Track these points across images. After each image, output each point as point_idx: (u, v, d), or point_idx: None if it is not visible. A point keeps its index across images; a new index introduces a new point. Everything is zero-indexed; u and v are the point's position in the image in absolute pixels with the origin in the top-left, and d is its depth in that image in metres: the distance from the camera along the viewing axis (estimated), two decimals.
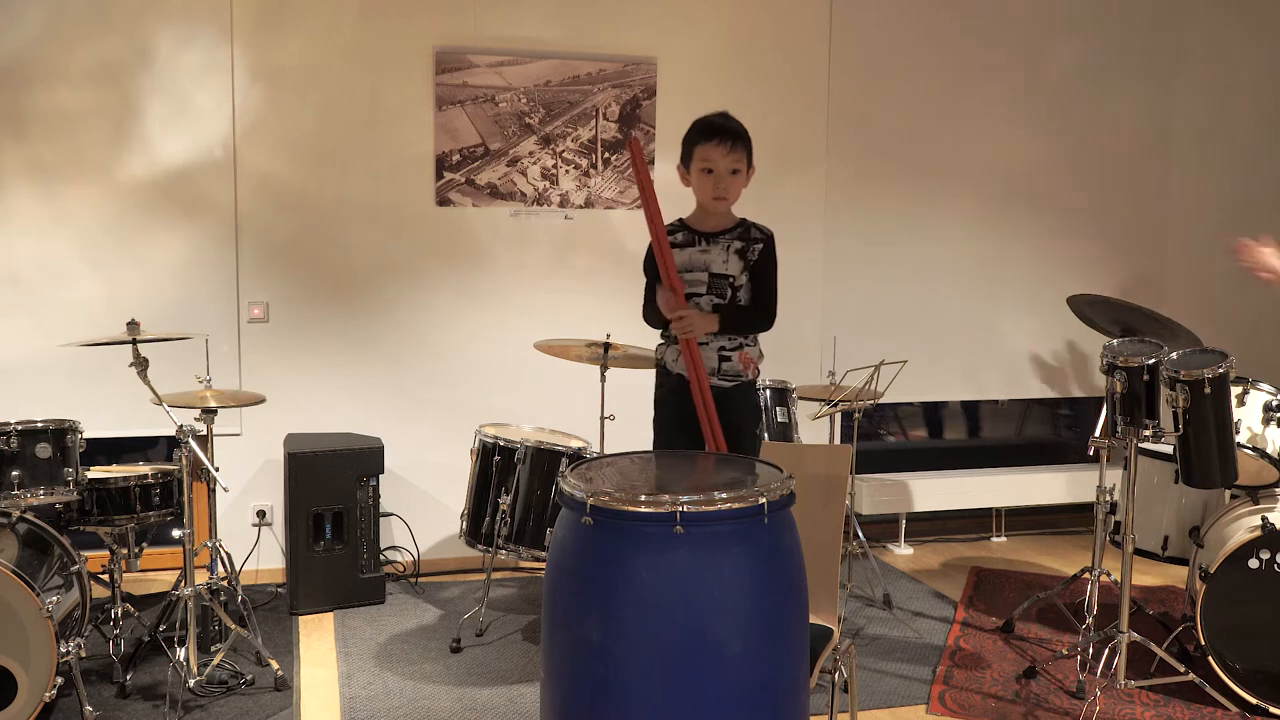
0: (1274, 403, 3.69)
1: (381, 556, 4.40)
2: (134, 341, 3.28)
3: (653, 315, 3.42)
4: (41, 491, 3.35)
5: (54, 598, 3.23)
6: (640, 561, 2.06)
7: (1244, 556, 3.39)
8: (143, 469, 3.72)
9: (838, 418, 4.44)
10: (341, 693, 3.51)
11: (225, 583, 3.76)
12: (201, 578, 3.64)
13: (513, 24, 4.73)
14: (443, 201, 4.73)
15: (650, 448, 3.51)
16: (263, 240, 4.56)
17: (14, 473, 3.32)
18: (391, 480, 4.58)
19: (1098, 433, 3.86)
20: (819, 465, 2.86)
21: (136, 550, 3.68)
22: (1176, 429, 3.38)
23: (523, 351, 4.42)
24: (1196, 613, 3.43)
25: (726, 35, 5.00)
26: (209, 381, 3.73)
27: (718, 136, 3.31)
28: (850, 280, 5.27)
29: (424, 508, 4.79)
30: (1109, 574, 3.96)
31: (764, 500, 2.11)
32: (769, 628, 2.14)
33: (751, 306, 3.36)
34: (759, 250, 3.36)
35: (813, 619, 2.71)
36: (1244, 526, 3.54)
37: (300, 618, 4.16)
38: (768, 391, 4.37)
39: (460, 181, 4.74)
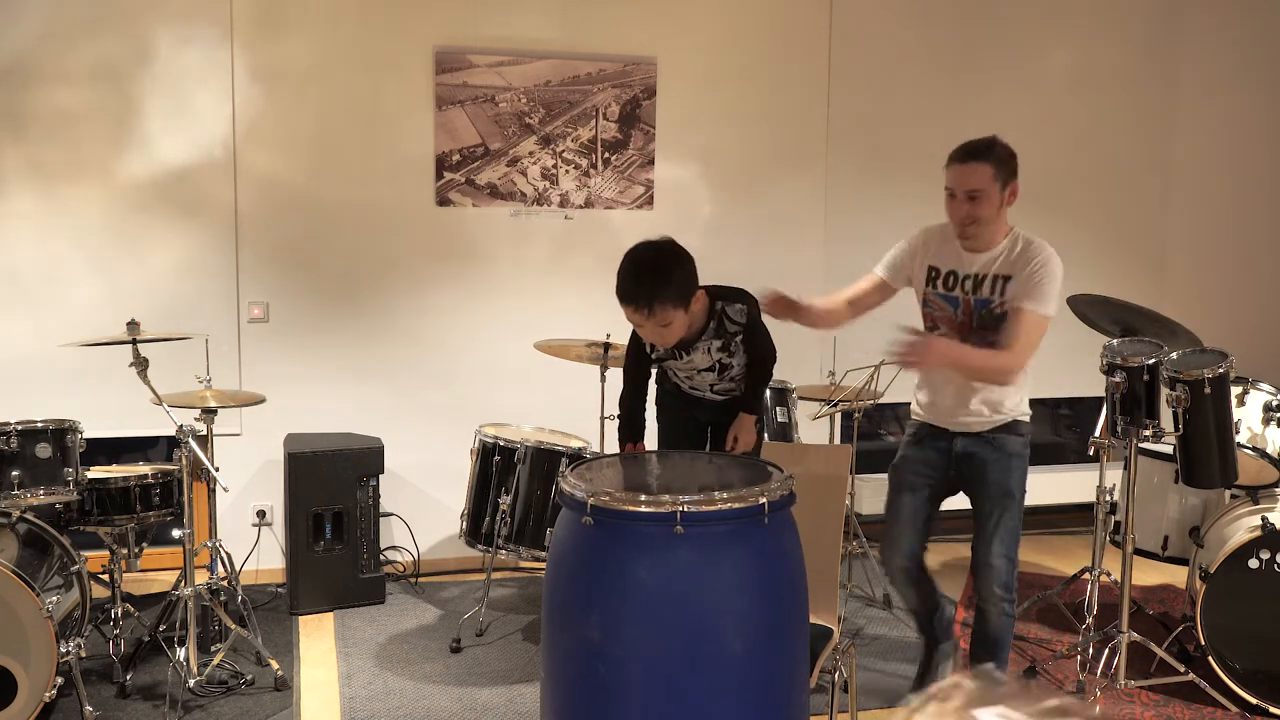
0: (1274, 403, 3.69)
1: (381, 556, 4.40)
2: (134, 341, 3.28)
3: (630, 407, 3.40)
4: (41, 491, 3.35)
5: (54, 598, 3.23)
6: (640, 561, 2.06)
7: (1244, 556, 3.39)
8: (143, 469, 3.72)
9: (838, 417, 4.44)
10: (341, 693, 3.51)
11: (225, 583, 3.76)
12: (201, 578, 3.64)
13: (513, 24, 4.72)
14: (443, 201, 4.73)
15: (654, 447, 3.53)
16: (263, 240, 4.56)
17: (14, 473, 3.32)
18: (391, 480, 4.58)
19: (1098, 433, 3.85)
20: (819, 465, 2.86)
21: (136, 550, 3.68)
22: (1176, 429, 3.38)
23: (523, 351, 4.42)
24: (1196, 613, 3.43)
25: (726, 35, 4.99)
26: (209, 381, 3.73)
27: (633, 303, 2.99)
28: (850, 280, 5.25)
29: (424, 508, 4.79)
30: (1109, 574, 3.96)
31: (764, 500, 2.11)
32: (769, 628, 2.13)
33: (756, 377, 3.33)
34: (739, 340, 3.23)
35: (813, 619, 2.71)
36: (1244, 526, 3.54)
37: (300, 618, 4.16)
38: (768, 391, 4.37)
39: (460, 181, 4.73)
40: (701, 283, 3.14)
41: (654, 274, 2.95)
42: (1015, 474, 3.09)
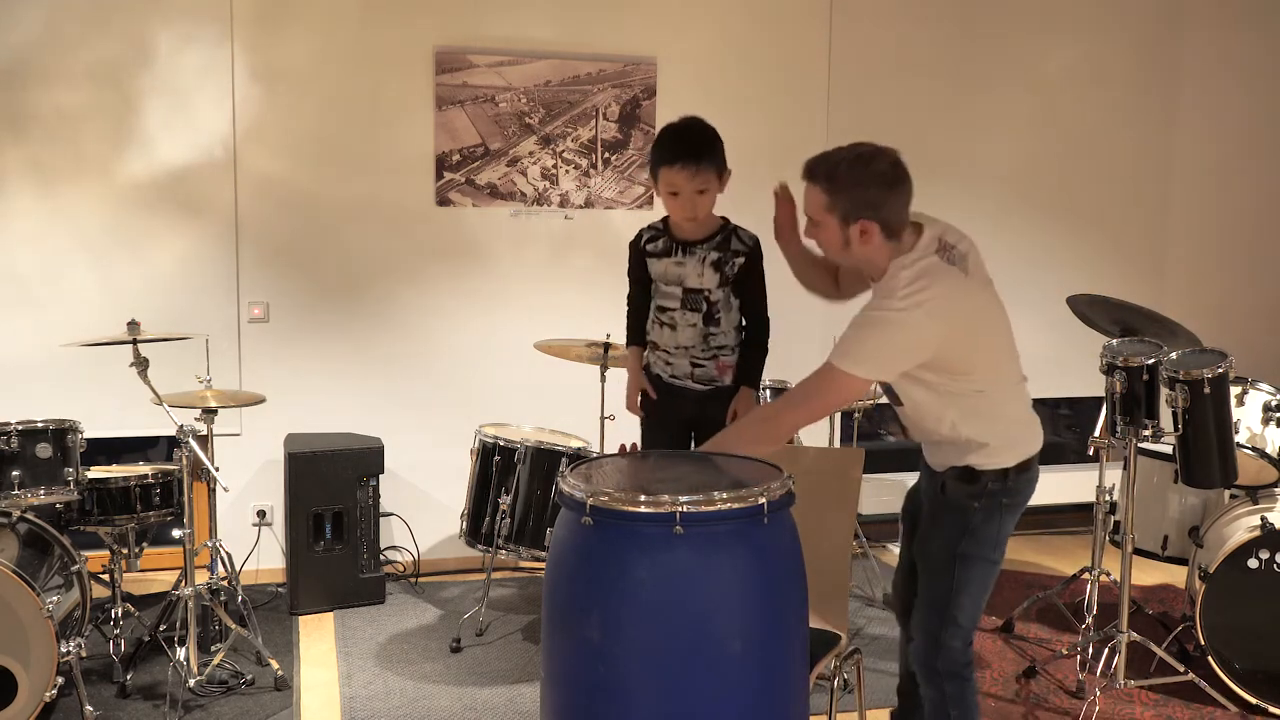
0: (1274, 403, 3.69)
1: (381, 556, 4.40)
2: (134, 341, 3.28)
3: (633, 328, 3.48)
4: (41, 491, 3.35)
5: (54, 598, 3.23)
6: (640, 561, 2.06)
7: (1243, 556, 3.39)
8: (143, 469, 3.72)
9: (838, 417, 4.44)
10: (341, 693, 3.51)
11: (225, 583, 3.76)
12: (201, 578, 3.64)
13: (513, 24, 4.73)
14: (443, 201, 4.73)
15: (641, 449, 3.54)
16: (263, 240, 4.56)
17: (14, 473, 3.32)
18: (391, 480, 4.58)
19: (1097, 433, 3.86)
20: (828, 468, 2.84)
21: (136, 550, 3.68)
22: (1176, 429, 3.38)
23: (523, 352, 4.42)
24: (1196, 613, 3.44)
25: (726, 35, 4.99)
26: (209, 381, 3.73)
27: (680, 160, 3.12)
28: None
29: (424, 508, 4.79)
30: (1109, 574, 3.96)
31: (764, 500, 2.10)
32: (768, 628, 2.13)
33: (751, 344, 3.34)
34: (740, 265, 3.25)
35: (822, 625, 2.71)
36: (1243, 526, 3.54)
37: (300, 618, 4.16)
38: (768, 392, 4.37)
39: (460, 181, 4.74)
40: None
41: (705, 133, 3.17)
42: (941, 533, 2.53)
